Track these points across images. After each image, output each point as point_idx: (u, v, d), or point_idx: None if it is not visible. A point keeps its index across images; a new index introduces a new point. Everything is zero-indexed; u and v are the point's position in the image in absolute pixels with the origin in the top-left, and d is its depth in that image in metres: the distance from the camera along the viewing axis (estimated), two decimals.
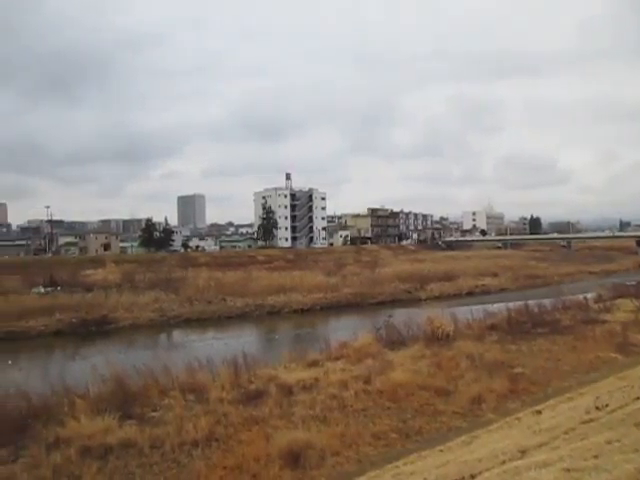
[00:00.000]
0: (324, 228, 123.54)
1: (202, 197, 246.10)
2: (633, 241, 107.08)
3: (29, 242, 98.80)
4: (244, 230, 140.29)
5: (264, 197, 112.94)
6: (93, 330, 32.32)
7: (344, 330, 25.16)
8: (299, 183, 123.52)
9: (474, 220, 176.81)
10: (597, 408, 8.41)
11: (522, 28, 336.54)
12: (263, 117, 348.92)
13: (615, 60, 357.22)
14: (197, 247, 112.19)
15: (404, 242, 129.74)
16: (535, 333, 19.76)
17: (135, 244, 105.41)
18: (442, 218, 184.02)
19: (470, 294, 48.03)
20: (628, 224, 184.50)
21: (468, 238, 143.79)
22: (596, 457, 4.95)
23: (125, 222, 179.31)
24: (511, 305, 25.09)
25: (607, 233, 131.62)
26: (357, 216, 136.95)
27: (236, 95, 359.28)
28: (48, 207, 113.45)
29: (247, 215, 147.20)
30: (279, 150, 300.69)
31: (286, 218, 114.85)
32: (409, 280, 49.49)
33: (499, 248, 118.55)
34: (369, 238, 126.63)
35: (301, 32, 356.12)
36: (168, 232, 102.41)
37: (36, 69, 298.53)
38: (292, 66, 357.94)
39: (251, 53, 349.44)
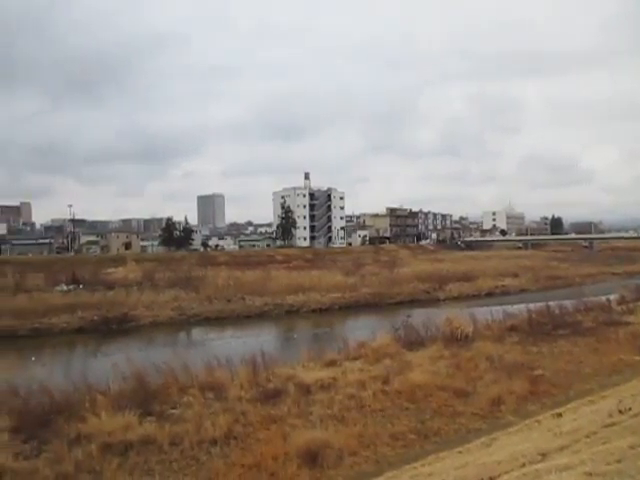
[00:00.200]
0: (343, 228, 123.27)
1: (221, 197, 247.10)
2: None
3: (52, 241, 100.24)
4: (263, 229, 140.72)
5: (283, 197, 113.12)
6: (114, 328, 32.79)
7: (362, 330, 25.08)
8: (318, 183, 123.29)
9: (494, 220, 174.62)
10: (620, 412, 8.25)
11: (543, 26, 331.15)
12: (282, 117, 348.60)
13: (638, 58, 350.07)
14: (216, 246, 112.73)
15: (423, 242, 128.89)
16: (556, 335, 19.51)
17: (155, 243, 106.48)
18: (462, 218, 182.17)
19: (490, 295, 47.54)
20: None
21: (488, 238, 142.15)
22: (619, 461, 4.86)
23: (146, 221, 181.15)
24: (532, 306, 24.78)
25: (631, 234, 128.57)
26: (376, 216, 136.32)
27: (256, 95, 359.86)
28: (70, 206, 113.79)
29: (266, 215, 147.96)
30: (298, 150, 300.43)
31: (305, 218, 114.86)
32: (428, 280, 49.24)
33: (519, 248, 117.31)
34: (388, 238, 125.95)
35: (320, 32, 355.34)
36: (188, 231, 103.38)
37: (61, 69, 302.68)
38: (311, 66, 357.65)
39: (270, 53, 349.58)
